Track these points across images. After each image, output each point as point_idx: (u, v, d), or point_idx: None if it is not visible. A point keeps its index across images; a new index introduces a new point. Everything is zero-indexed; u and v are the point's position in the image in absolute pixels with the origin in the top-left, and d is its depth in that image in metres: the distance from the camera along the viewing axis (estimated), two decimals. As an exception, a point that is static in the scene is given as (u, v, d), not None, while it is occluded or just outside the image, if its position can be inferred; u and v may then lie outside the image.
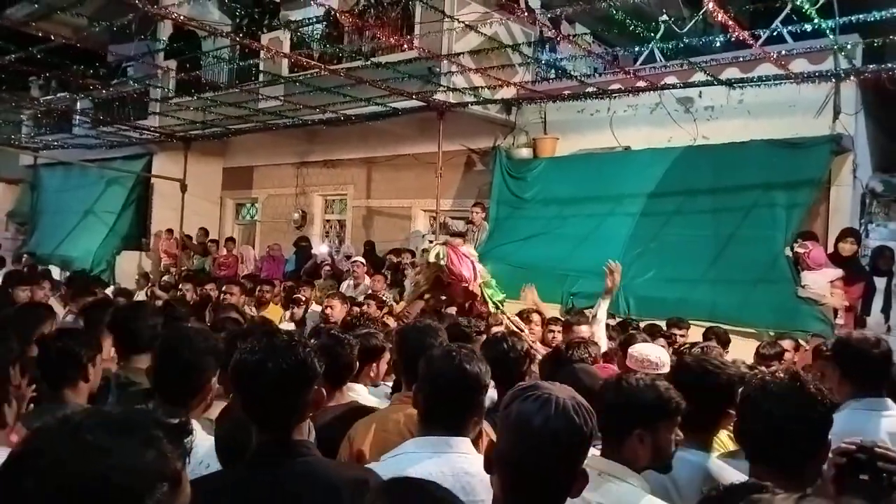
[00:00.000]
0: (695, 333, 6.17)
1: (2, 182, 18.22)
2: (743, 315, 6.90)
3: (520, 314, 6.01)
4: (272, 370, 1.79)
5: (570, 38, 7.97)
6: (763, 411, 1.91)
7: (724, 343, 5.45)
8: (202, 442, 2.17)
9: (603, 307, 5.05)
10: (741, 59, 7.59)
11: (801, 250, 7.08)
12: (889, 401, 2.75)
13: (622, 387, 2.07)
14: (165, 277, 10.06)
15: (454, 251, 5.92)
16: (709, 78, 7.60)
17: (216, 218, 14.87)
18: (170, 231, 13.09)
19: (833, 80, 7.39)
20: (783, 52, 7.20)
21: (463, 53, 8.22)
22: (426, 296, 6.33)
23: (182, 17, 7.83)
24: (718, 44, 7.17)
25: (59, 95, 14.03)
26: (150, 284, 10.54)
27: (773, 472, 1.87)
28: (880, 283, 7.13)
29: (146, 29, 11.58)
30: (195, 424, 2.22)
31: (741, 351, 5.78)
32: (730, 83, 7.65)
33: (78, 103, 13.77)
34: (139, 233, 14.29)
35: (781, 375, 2.04)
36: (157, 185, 13.87)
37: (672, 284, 7.64)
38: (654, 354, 3.44)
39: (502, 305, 6.00)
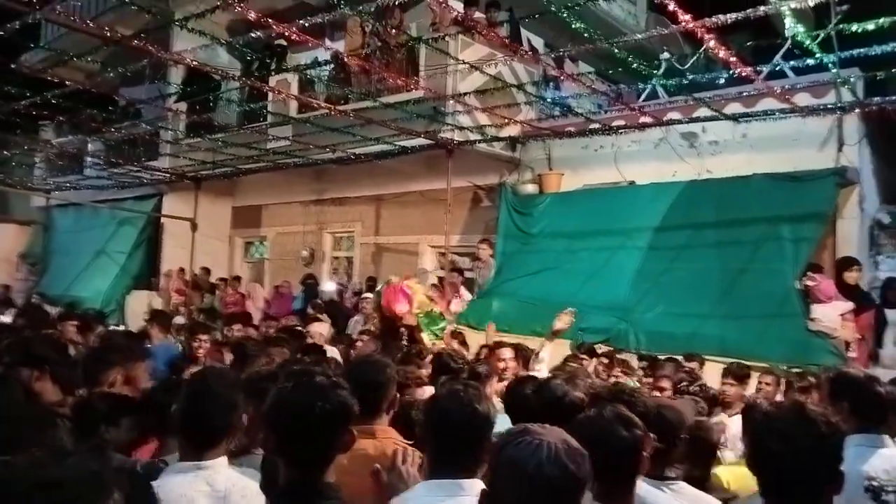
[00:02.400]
0: (707, 368, 6.15)
1: (14, 223, 18.43)
2: (754, 349, 6.83)
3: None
4: (316, 410, 1.78)
5: (574, 76, 8.07)
6: (769, 450, 1.88)
7: (741, 378, 5.37)
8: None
9: (546, 349, 5.04)
10: (744, 95, 7.67)
11: (810, 283, 7.06)
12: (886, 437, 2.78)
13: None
14: (178, 318, 10.07)
15: (391, 290, 6.30)
16: (713, 113, 7.68)
17: (225, 256, 14.97)
18: (181, 270, 13.17)
19: (837, 112, 7.45)
20: (786, 87, 7.27)
21: (468, 93, 8.34)
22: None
23: (193, 62, 7.99)
24: (721, 80, 7.26)
25: (70, 138, 14.26)
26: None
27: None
28: (892, 314, 7.09)
29: (157, 73, 11.81)
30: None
31: (753, 386, 5.74)
32: (734, 117, 7.72)
33: (89, 145, 13.99)
34: (149, 272, 14.39)
35: (785, 409, 2.00)
36: (168, 225, 14.00)
37: (681, 319, 7.60)
38: None
39: (441, 333, 6.16)
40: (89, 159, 14.12)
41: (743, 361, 6.01)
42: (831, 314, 6.88)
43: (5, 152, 13.60)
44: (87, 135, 13.45)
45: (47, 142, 14.45)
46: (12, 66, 7.76)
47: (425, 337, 6.13)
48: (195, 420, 2.24)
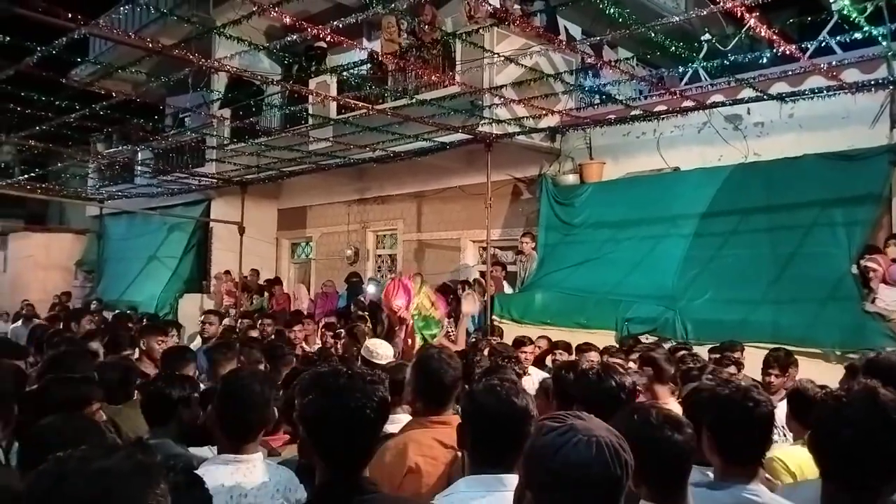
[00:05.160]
0: (757, 356, 5.99)
1: (70, 233, 19.09)
2: (807, 335, 6.67)
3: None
4: (353, 410, 1.78)
5: (613, 63, 7.95)
6: (834, 434, 1.84)
7: (784, 367, 5.22)
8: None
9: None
10: (789, 73, 7.44)
11: (872, 265, 6.81)
12: None
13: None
14: (226, 320, 10.30)
15: (393, 283, 6.40)
16: (758, 94, 7.47)
17: (273, 258, 15.23)
18: (227, 273, 13.45)
19: (889, 87, 7.17)
20: (833, 63, 7.03)
21: (505, 86, 8.30)
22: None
23: (234, 69, 8.15)
24: (765, 59, 7.06)
25: (121, 148, 14.68)
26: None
27: (847, 492, 1.83)
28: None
29: (200, 81, 12.07)
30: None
31: (807, 373, 5.58)
32: (780, 97, 7.50)
33: (139, 154, 14.38)
34: (200, 275, 14.73)
35: (855, 395, 1.93)
36: (216, 229, 14.31)
37: (731, 306, 7.46)
38: None
39: (431, 340, 6.18)
40: (139, 168, 14.51)
41: (787, 347, 5.84)
42: (893, 295, 6.65)
43: (59, 164, 14.11)
44: (135, 144, 13.83)
45: (98, 153, 14.91)
46: (62, 80, 8.03)
47: (417, 339, 6.20)
48: (231, 417, 2.37)
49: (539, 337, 7.23)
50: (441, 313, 6.55)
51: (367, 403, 1.79)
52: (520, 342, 6.54)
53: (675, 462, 1.98)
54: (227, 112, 11.67)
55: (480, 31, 7.83)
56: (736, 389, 2.31)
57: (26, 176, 14.11)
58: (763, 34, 5.75)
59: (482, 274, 10.20)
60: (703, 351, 6.10)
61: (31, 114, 8.88)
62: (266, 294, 13.09)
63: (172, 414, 3.03)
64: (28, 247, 18.08)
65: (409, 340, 6.01)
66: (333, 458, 1.81)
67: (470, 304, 6.79)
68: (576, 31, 11.07)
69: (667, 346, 6.79)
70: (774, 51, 6.28)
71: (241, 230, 12.82)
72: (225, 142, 11.87)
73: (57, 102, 8.47)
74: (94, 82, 9.34)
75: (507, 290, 9.87)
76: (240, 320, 9.79)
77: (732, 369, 5.00)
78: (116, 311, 12.51)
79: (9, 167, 15.59)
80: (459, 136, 9.21)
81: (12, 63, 6.77)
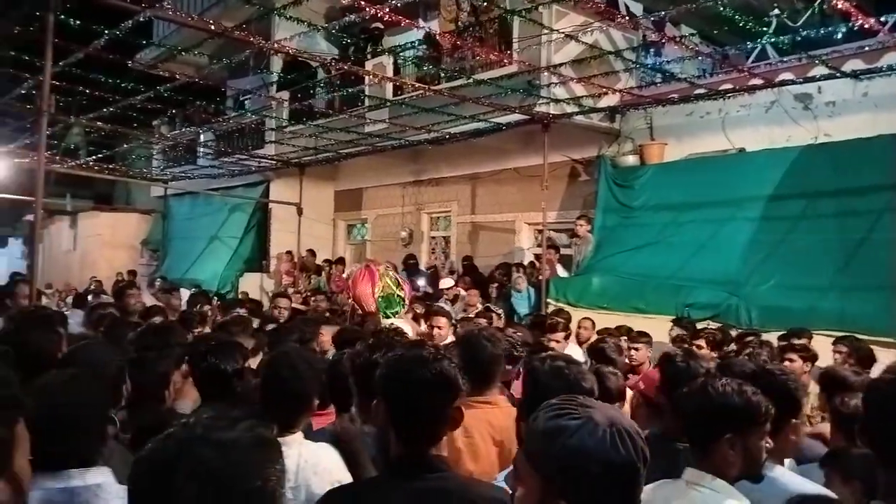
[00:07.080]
0: (824, 344, 5.76)
1: (136, 212, 19.76)
2: (878, 324, 6.37)
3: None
4: (427, 379, 1.81)
5: (676, 39, 7.71)
6: (884, 414, 1.82)
7: (864, 360, 4.98)
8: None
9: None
10: (865, 49, 7.08)
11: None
12: None
13: (709, 392, 2.04)
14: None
15: (361, 272, 6.86)
16: (830, 71, 7.13)
17: (329, 239, 15.43)
18: (289, 253, 13.71)
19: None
20: (914, 38, 6.65)
21: (564, 64, 8.13)
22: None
23: (293, 50, 8.21)
24: (839, 35, 6.72)
25: (183, 130, 15.05)
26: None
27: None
28: None
29: (260, 62, 12.24)
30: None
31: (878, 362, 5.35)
32: (855, 75, 7.14)
33: (201, 136, 14.72)
34: (260, 255, 15.05)
35: None
36: (275, 210, 14.57)
37: (798, 292, 7.17)
38: None
39: (394, 317, 6.56)
40: (201, 149, 14.87)
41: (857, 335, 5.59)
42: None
43: (125, 145, 14.58)
44: (198, 126, 14.15)
45: (162, 134, 15.31)
46: (128, 63, 8.25)
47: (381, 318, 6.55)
48: (274, 400, 2.40)
49: (583, 318, 7.07)
50: (406, 293, 7.08)
51: (432, 374, 1.82)
52: (552, 327, 5.61)
53: None
54: (285, 94, 11.82)
55: (539, 7, 7.67)
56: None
57: (94, 157, 14.60)
58: (839, 6, 5.46)
59: (537, 257, 10.11)
60: (769, 339, 5.90)
61: (99, 96, 9.17)
62: (323, 274, 13.29)
63: (227, 387, 3.05)
64: (96, 226, 18.80)
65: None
66: (400, 429, 1.82)
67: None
68: (637, 7, 10.74)
69: (734, 333, 6.61)
70: (850, 25, 5.97)
71: (300, 211, 13.05)
72: (283, 124, 12.04)
73: (123, 85, 8.71)
74: (158, 65, 9.56)
75: (562, 273, 9.75)
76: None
77: (794, 356, 4.80)
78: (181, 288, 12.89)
79: (77, 148, 16.14)
80: (516, 116, 9.09)
81: (81, 47, 6.98)
